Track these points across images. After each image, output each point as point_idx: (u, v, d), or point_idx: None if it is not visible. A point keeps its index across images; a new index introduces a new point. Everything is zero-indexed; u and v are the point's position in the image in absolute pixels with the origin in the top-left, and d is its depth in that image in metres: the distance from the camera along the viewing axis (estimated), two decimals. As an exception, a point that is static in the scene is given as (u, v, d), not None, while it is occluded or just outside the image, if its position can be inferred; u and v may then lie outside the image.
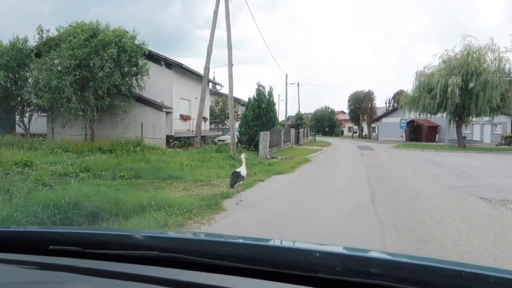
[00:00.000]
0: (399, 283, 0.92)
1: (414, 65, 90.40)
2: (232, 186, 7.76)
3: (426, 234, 5.38)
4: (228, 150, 16.77)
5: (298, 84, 50.77)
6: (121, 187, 9.50)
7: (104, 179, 10.67)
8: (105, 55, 20.17)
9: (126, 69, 22.12)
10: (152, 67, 23.92)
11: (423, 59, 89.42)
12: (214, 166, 13.87)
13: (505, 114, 36.33)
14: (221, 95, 45.45)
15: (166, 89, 25.10)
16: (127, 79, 22.44)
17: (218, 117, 43.57)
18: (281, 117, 50.91)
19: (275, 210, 7.10)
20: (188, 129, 27.08)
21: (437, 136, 50.50)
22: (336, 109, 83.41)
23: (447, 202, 7.82)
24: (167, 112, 24.63)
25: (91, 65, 20.12)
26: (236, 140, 27.27)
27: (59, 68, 20.38)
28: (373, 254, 1.23)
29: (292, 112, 61.94)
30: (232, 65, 15.97)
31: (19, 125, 23.87)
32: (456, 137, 39.41)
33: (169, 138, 24.55)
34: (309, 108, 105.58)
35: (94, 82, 20.37)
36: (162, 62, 24.87)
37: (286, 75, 44.71)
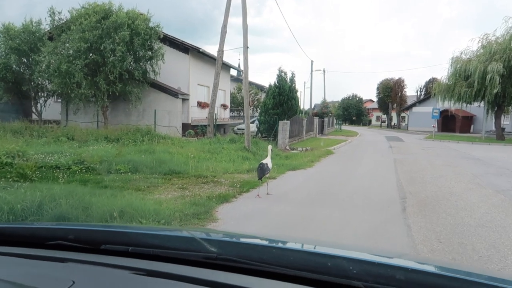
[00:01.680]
0: None
1: (447, 52, 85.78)
2: (260, 178, 7.69)
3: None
4: (244, 141, 15.41)
5: (324, 71, 48.66)
6: (110, 184, 8.35)
7: (97, 173, 9.58)
8: (117, 38, 19.13)
9: (140, 53, 21.07)
10: (168, 51, 22.80)
11: (457, 45, 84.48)
12: (224, 158, 12.57)
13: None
14: (239, 80, 44.05)
15: (183, 75, 23.97)
16: (141, 63, 21.44)
17: (240, 105, 42.22)
18: (306, 105, 49.19)
19: (279, 224, 5.69)
20: (206, 117, 25.83)
21: (472, 127, 47.52)
22: (364, 98, 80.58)
23: (499, 215, 6.22)
24: (183, 99, 23.53)
25: (102, 48, 19.10)
26: (256, 129, 26.02)
27: (70, 51, 19.49)
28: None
29: (318, 100, 59.87)
30: (248, 47, 14.51)
31: (33, 111, 23.31)
32: (493, 128, 36.61)
33: (185, 126, 23.47)
34: (336, 97, 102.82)
35: (105, 67, 19.39)
36: (179, 46, 23.66)
37: (312, 61, 42.76)
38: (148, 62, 21.58)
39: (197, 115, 25.50)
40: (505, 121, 39.41)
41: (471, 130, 46.89)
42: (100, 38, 19.15)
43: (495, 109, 31.73)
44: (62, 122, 23.12)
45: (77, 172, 9.59)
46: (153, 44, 21.45)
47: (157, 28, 21.38)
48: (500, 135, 31.48)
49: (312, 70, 43.45)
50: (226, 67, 30.39)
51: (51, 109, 23.57)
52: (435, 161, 14.62)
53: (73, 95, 19.32)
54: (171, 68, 23.25)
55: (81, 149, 12.61)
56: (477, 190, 8.39)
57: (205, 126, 23.93)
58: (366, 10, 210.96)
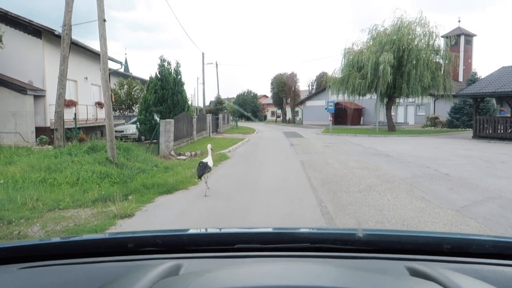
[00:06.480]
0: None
1: (336, 48, 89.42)
2: (199, 177, 7.57)
3: None
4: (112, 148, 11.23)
5: (216, 64, 45.57)
6: None
7: None
8: None
9: (-36, 35, 15.40)
10: (10, 34, 17.35)
11: (347, 38, 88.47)
12: (68, 179, 8.42)
13: (431, 95, 34.73)
14: (125, 76, 38.87)
15: (35, 65, 18.50)
16: (-34, 49, 15.76)
17: (123, 103, 37.06)
18: (200, 103, 45.67)
19: None
20: (73, 119, 20.78)
21: (362, 119, 48.86)
22: (259, 93, 79.82)
23: None
24: (36, 96, 18.16)
25: None
26: (136, 131, 21.75)
27: None
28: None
29: (213, 97, 56.71)
30: (105, 20, 10.44)
31: None
32: (382, 120, 37.33)
33: (42, 131, 18.12)
34: (231, 93, 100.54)
35: None
36: (26, 28, 18.22)
37: (203, 53, 39.16)
38: (-21, 47, 16.00)
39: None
40: (392, 112, 40.70)
41: (361, 122, 48.17)
42: None
43: (386, 101, 31.87)
44: None
45: None
46: (-15, 23, 15.94)
47: (-12, 1, 15.85)
48: (392, 126, 31.73)
49: (203, 63, 40.02)
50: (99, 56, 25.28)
51: None
52: (348, 161, 12.26)
53: None
54: (16, 56, 17.84)
55: None
56: (433, 213, 5.78)
57: (69, 129, 18.95)
58: (259, 6, 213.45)
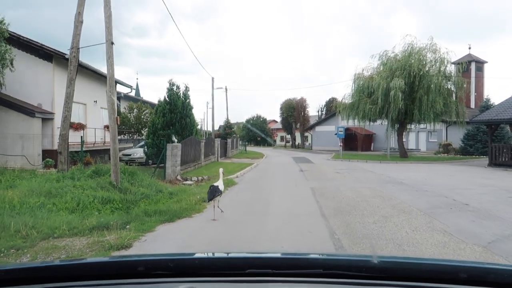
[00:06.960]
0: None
1: (344, 75, 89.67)
2: (209, 200, 7.71)
3: None
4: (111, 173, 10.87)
5: (226, 89, 45.70)
6: None
7: None
8: None
9: (-25, 58, 15.46)
10: (21, 57, 17.53)
11: (355, 66, 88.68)
12: (68, 205, 8.07)
13: (443, 121, 34.14)
14: (136, 100, 39.05)
15: (45, 88, 18.58)
16: (-23, 71, 15.80)
17: (132, 126, 37.05)
18: (210, 127, 45.69)
19: None
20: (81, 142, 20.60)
21: (372, 144, 48.22)
22: (268, 118, 79.90)
23: None
24: (44, 119, 18.11)
25: None
26: (143, 155, 21.48)
27: None
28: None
29: (223, 121, 56.82)
30: (113, 43, 10.31)
31: None
32: (393, 146, 36.67)
33: (50, 154, 18.00)
34: (241, 118, 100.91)
35: None
36: (38, 52, 18.35)
37: (212, 78, 39.33)
38: (-11, 69, 16.02)
39: (70, 139, 20.11)
40: (403, 138, 40.07)
41: (372, 148, 47.52)
42: None
43: (397, 126, 31.36)
44: None
45: None
46: (-5, 46, 16.01)
47: (0, 25, 16.02)
48: (403, 153, 31.08)
49: (213, 88, 40.16)
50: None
51: None
52: (360, 189, 11.74)
53: None
54: (27, 79, 17.99)
55: None
56: (457, 249, 5.26)
57: (77, 152, 18.78)
58: (268, 37, 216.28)
